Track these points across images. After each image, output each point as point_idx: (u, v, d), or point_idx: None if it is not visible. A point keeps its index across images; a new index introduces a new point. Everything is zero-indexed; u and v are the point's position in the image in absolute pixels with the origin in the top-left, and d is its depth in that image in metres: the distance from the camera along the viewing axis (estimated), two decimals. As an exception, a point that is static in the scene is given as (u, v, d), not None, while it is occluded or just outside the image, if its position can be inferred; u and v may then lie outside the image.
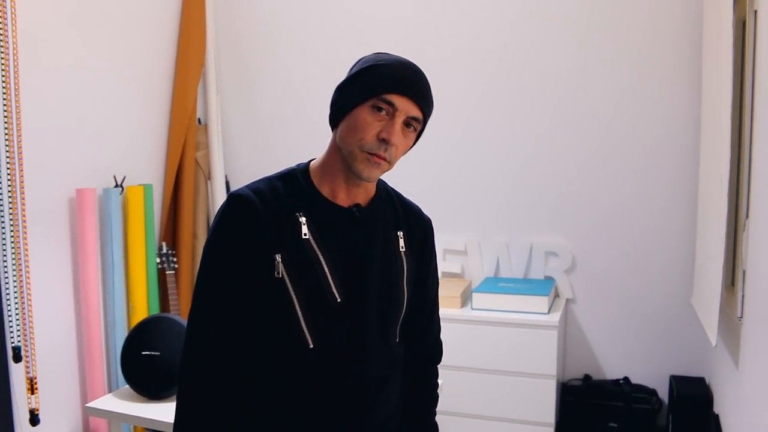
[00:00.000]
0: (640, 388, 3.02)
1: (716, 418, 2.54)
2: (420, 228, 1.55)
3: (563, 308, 3.04)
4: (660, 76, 3.00)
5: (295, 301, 1.34)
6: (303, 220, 1.37)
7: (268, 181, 1.41)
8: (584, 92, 3.11)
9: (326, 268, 1.36)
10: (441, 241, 3.35)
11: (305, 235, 1.36)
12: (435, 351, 1.65)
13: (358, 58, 3.42)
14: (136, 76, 3.19)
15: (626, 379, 3.10)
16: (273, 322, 1.36)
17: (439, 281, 3.23)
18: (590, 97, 3.10)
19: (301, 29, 3.50)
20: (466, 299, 3.10)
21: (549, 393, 2.84)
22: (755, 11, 2.10)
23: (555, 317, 2.85)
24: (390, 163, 1.37)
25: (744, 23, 2.30)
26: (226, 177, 3.62)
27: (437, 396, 1.67)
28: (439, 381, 2.40)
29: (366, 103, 1.33)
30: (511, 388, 2.88)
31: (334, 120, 1.39)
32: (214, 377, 1.34)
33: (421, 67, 3.39)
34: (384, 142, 1.32)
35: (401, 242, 1.49)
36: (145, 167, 3.29)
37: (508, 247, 3.26)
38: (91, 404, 2.19)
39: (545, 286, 3.05)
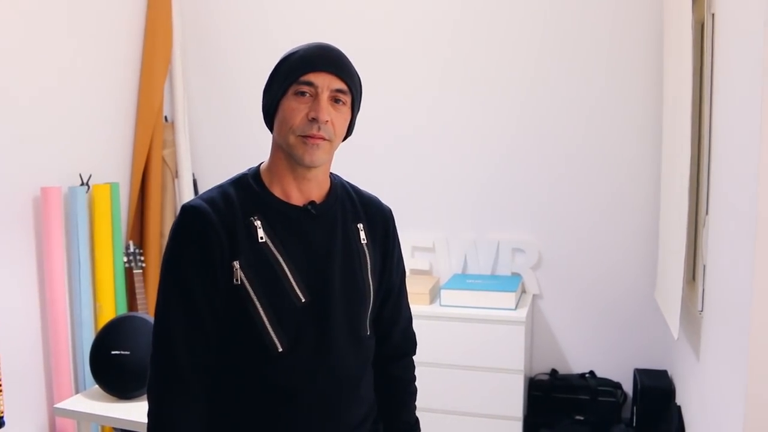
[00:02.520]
0: (605, 382, 3.08)
1: (678, 409, 2.61)
2: (380, 218, 1.54)
3: (530, 304, 3.08)
4: (622, 76, 3.06)
5: (258, 305, 1.33)
6: (258, 223, 1.36)
7: (220, 188, 1.40)
8: (548, 93, 3.16)
9: (287, 269, 1.36)
10: (409, 239, 3.38)
11: (261, 238, 1.35)
12: (406, 342, 1.64)
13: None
14: (102, 74, 3.15)
15: (592, 372, 3.16)
16: (240, 330, 1.35)
17: (408, 278, 3.26)
18: (554, 96, 3.15)
19: (268, 26, 3.49)
20: (434, 296, 3.14)
21: (517, 387, 2.89)
22: (713, 14, 2.16)
23: (522, 313, 2.90)
24: (330, 141, 1.36)
25: (702, 25, 2.36)
26: (193, 175, 3.60)
27: (415, 389, 1.66)
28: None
29: (288, 92, 1.34)
30: (480, 383, 2.92)
31: (269, 122, 1.41)
32: (183, 396, 1.32)
33: (392, 64, 3.39)
34: (314, 121, 1.32)
35: (362, 234, 1.48)
36: (112, 165, 3.25)
37: (475, 244, 3.30)
38: (59, 405, 2.17)
39: (512, 282, 3.10)
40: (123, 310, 3.15)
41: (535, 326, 3.28)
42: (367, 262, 1.47)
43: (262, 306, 1.34)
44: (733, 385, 1.77)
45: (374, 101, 3.38)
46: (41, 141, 2.83)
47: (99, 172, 3.16)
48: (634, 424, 2.89)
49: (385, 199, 3.40)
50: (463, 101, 3.27)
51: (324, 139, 1.34)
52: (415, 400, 1.67)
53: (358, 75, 1.42)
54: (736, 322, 1.76)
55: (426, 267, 3.37)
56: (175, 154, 3.51)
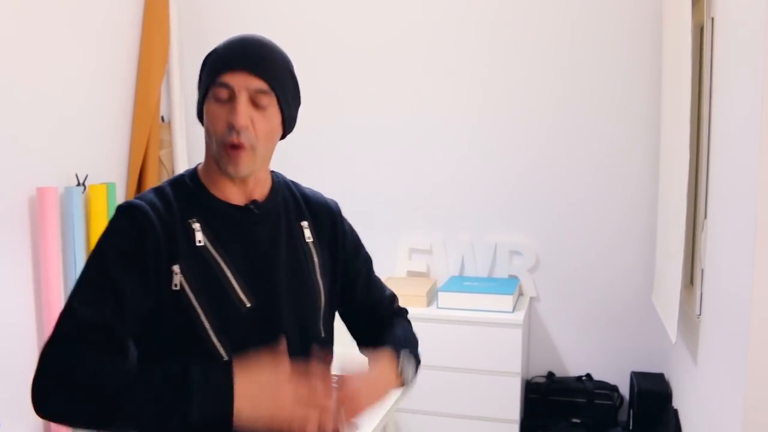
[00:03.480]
0: (602, 384, 3.08)
1: (675, 412, 2.61)
2: (326, 214, 1.47)
3: (527, 306, 3.08)
4: (621, 79, 3.06)
5: (200, 312, 1.25)
6: (197, 226, 1.29)
7: (158, 189, 1.33)
8: (546, 96, 3.15)
9: (228, 273, 1.28)
10: (406, 241, 3.37)
11: (199, 242, 1.28)
12: (398, 313, 1.59)
13: (323, 55, 3.41)
14: (99, 73, 3.14)
15: (588, 375, 3.16)
16: (182, 338, 1.25)
17: (405, 280, 3.26)
18: (553, 99, 3.15)
19: (266, 25, 3.48)
20: (431, 298, 3.13)
21: (514, 390, 2.88)
22: (712, 18, 2.16)
23: (519, 316, 2.89)
24: (254, 148, 1.27)
25: (702, 29, 2.36)
26: (190, 176, 3.58)
27: (410, 324, 1.59)
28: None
29: (208, 95, 1.27)
30: (477, 385, 2.91)
31: (202, 121, 1.33)
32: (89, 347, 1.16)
33: (389, 65, 3.36)
34: (231, 127, 1.24)
35: (307, 233, 1.42)
36: (108, 166, 3.24)
37: (472, 246, 3.30)
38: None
39: (510, 284, 3.09)
40: (119, 311, 3.14)
41: (532, 329, 3.27)
42: (315, 262, 1.41)
43: (204, 312, 1.25)
44: (732, 389, 1.77)
45: (372, 103, 3.37)
46: (37, 141, 2.81)
47: (95, 172, 3.14)
48: (631, 428, 2.89)
49: (383, 201, 3.40)
50: (460, 104, 3.27)
51: (244, 146, 1.25)
52: (410, 327, 1.58)
53: (285, 67, 1.31)
54: (734, 327, 1.75)
55: (423, 269, 3.36)
56: (172, 155, 3.49)
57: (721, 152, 2.01)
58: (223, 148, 1.26)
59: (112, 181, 3.25)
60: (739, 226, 1.75)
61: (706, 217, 2.21)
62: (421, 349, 1.55)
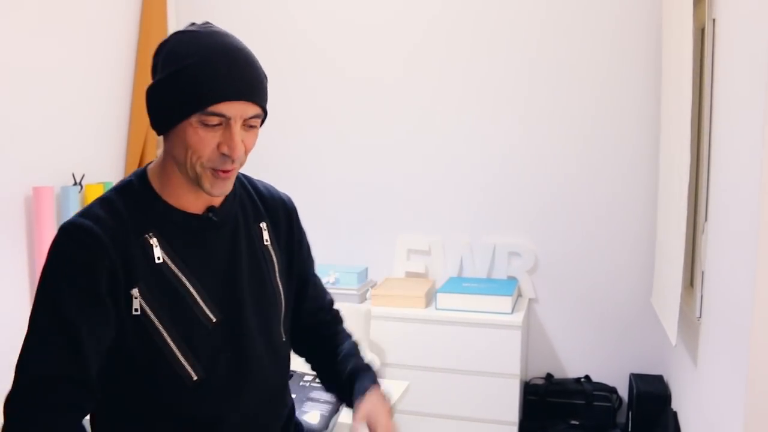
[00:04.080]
0: (601, 386, 3.07)
1: (674, 415, 2.60)
2: (282, 211, 1.41)
3: (526, 308, 3.07)
4: (621, 81, 3.05)
5: (165, 334, 1.18)
6: (154, 241, 1.19)
7: (104, 201, 1.20)
8: (546, 96, 3.14)
9: (192, 290, 1.22)
10: (405, 241, 3.36)
11: (158, 259, 1.19)
12: (336, 317, 1.56)
13: (324, 52, 3.38)
14: (96, 71, 3.12)
15: (587, 377, 3.15)
16: (147, 362, 1.19)
17: (403, 281, 3.24)
18: (551, 100, 3.14)
19: (264, 24, 3.46)
20: (430, 299, 3.12)
21: (512, 392, 2.87)
22: (713, 19, 2.15)
23: (518, 317, 2.88)
24: (241, 164, 1.22)
25: (703, 31, 2.35)
26: (187, 175, 3.56)
27: (349, 333, 1.56)
28: (404, 382, 2.41)
29: (192, 119, 1.14)
30: (475, 387, 2.90)
31: (158, 129, 1.20)
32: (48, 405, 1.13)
33: (386, 65, 3.35)
34: (226, 156, 1.16)
35: (265, 235, 1.35)
36: (105, 165, 3.22)
37: (471, 247, 3.28)
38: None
39: (508, 286, 3.08)
40: (115, 312, 3.12)
41: (530, 330, 3.26)
42: (274, 265, 1.36)
43: (168, 334, 1.19)
44: (732, 392, 1.76)
45: (370, 103, 3.35)
46: (33, 140, 2.79)
47: (92, 171, 3.12)
48: (630, 429, 2.88)
49: (381, 202, 3.38)
50: (459, 103, 3.25)
51: (234, 168, 1.20)
52: (351, 338, 1.53)
53: (265, 76, 1.23)
54: (735, 329, 1.75)
55: (422, 270, 3.35)
56: (169, 154, 3.47)
57: (722, 154, 2.00)
58: (211, 172, 1.18)
59: (109, 180, 3.23)
60: (740, 228, 1.74)
61: (706, 219, 2.20)
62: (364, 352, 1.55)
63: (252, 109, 1.18)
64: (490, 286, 3.08)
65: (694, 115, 2.43)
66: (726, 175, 1.94)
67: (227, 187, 1.22)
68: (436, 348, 2.93)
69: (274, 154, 3.34)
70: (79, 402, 1.15)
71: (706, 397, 2.09)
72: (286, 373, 1.42)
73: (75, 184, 2.98)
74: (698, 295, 2.22)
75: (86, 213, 1.18)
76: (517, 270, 3.23)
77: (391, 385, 2.34)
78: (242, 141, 1.18)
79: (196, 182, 1.20)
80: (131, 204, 1.21)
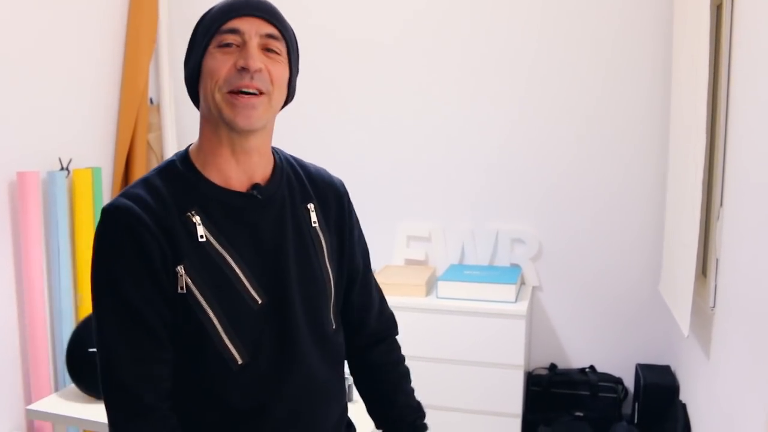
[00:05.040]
0: (606, 377, 3.00)
1: (684, 407, 2.53)
2: (333, 194, 1.36)
3: (530, 296, 2.98)
4: (628, 62, 2.95)
5: (211, 314, 1.15)
6: (196, 219, 1.17)
7: (145, 182, 1.19)
8: (552, 79, 3.04)
9: (237, 269, 1.18)
10: (405, 228, 3.27)
11: (201, 237, 1.16)
12: (384, 324, 1.47)
13: (322, 38, 3.29)
14: (83, 53, 3.00)
15: (592, 367, 3.07)
16: (192, 344, 1.17)
17: (403, 269, 3.16)
18: (558, 83, 3.04)
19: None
20: (430, 287, 3.03)
21: (516, 384, 2.79)
22: (732, -6, 2.05)
23: (523, 306, 2.79)
24: (269, 95, 1.16)
25: (719, 7, 2.25)
26: (180, 160, 3.46)
27: (406, 370, 1.49)
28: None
29: (210, 48, 1.15)
30: (478, 378, 2.82)
31: (194, 95, 1.21)
32: (153, 425, 1.13)
33: (387, 52, 3.26)
34: (244, 70, 1.13)
35: (313, 216, 1.30)
36: (93, 149, 3.11)
37: (473, 233, 3.19)
38: (32, 406, 2.04)
39: (512, 273, 2.99)
40: (105, 301, 3.03)
41: (534, 319, 3.18)
42: (322, 247, 1.29)
43: (215, 314, 1.16)
44: (752, 385, 1.68)
45: (370, 88, 3.25)
46: (18, 123, 2.68)
47: (80, 155, 3.02)
48: (636, 421, 2.80)
49: (381, 187, 3.29)
50: (462, 89, 3.15)
51: (260, 92, 1.15)
52: (409, 381, 1.49)
53: (291, 27, 1.23)
54: (754, 320, 1.67)
55: (422, 257, 3.26)
56: (160, 138, 3.37)
57: (739, 138, 1.91)
58: (231, 95, 1.14)
59: (97, 165, 3.13)
60: (757, 214, 1.65)
61: (721, 204, 2.11)
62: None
63: (266, 27, 1.16)
64: (492, 273, 2.99)
65: (709, 97, 2.33)
66: (743, 158, 1.85)
67: (253, 117, 1.15)
68: (436, 338, 2.84)
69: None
70: (168, 381, 1.17)
71: (721, 391, 2.01)
72: (338, 366, 1.34)
73: (62, 169, 2.88)
74: (712, 284, 2.14)
75: (126, 193, 1.17)
76: (520, 257, 3.14)
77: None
78: (265, 66, 1.15)
79: (222, 115, 1.15)
80: (173, 183, 1.19)
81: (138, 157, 3.25)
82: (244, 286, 1.18)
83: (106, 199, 3.19)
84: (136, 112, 3.23)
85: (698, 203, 2.10)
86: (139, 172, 3.25)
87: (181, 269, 1.14)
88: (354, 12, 3.24)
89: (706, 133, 2.13)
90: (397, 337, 1.51)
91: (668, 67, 2.91)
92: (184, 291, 1.15)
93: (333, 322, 1.32)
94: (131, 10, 3.24)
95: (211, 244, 1.17)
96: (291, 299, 1.22)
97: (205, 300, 1.15)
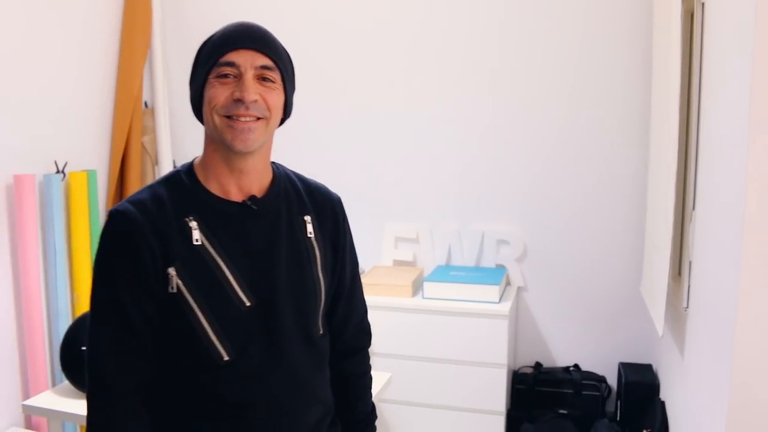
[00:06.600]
0: (590, 375, 3.05)
1: (662, 404, 2.59)
2: (329, 207, 1.44)
3: (514, 296, 3.04)
4: (610, 66, 3.01)
5: (199, 313, 1.24)
6: (193, 224, 1.26)
7: (150, 189, 1.30)
8: (534, 82, 3.10)
9: (227, 272, 1.26)
10: (393, 229, 3.33)
11: (197, 240, 1.26)
12: (360, 336, 1.55)
13: (313, 42, 3.35)
14: (79, 57, 3.07)
15: (576, 366, 3.13)
16: (180, 341, 1.26)
17: (391, 269, 3.22)
18: (539, 86, 3.09)
19: (251, 7, 3.41)
20: (417, 288, 3.09)
21: (500, 382, 2.85)
22: (702, 3, 2.11)
23: (506, 307, 2.86)
24: (266, 119, 1.26)
25: (692, 15, 2.31)
26: (174, 162, 3.53)
27: (369, 381, 1.58)
28: (386, 374, 2.39)
29: (210, 78, 1.25)
30: (463, 377, 2.88)
31: (198, 114, 1.32)
32: (120, 416, 1.23)
33: (372, 55, 3.32)
34: (240, 102, 1.22)
35: (309, 227, 1.38)
36: (89, 152, 3.17)
37: (459, 235, 3.26)
38: (28, 402, 2.11)
39: (497, 274, 3.06)
40: (100, 301, 3.09)
41: (519, 318, 3.24)
42: (316, 257, 1.38)
43: (202, 313, 1.25)
44: (717, 383, 1.74)
45: (358, 92, 3.31)
46: (14, 126, 2.75)
47: (75, 159, 3.08)
48: (618, 419, 2.86)
49: (369, 189, 3.35)
50: (446, 91, 3.21)
51: (257, 118, 1.24)
52: (370, 390, 1.58)
53: (286, 52, 1.33)
54: (721, 320, 1.73)
55: (410, 258, 3.32)
56: (155, 141, 3.43)
57: (710, 142, 1.97)
58: (230, 120, 1.24)
59: (93, 168, 3.19)
60: (726, 218, 1.71)
61: (694, 208, 2.17)
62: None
63: (261, 58, 1.25)
64: (477, 274, 3.05)
65: (683, 102, 2.39)
66: (714, 163, 1.91)
67: (249, 140, 1.25)
68: (423, 337, 2.90)
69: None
70: (143, 376, 1.26)
71: (692, 388, 2.08)
72: (322, 368, 1.42)
73: (58, 172, 2.95)
74: (686, 285, 2.20)
75: (131, 198, 1.28)
76: (505, 258, 3.21)
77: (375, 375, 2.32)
78: (261, 95, 1.24)
79: (221, 138, 1.25)
80: (175, 191, 1.29)
81: (133, 159, 3.32)
82: (234, 289, 1.27)
83: (101, 201, 3.26)
84: (130, 115, 3.29)
85: (671, 206, 2.16)
86: (134, 174, 3.32)
87: (172, 271, 1.23)
88: (336, 14, 3.30)
89: (679, 137, 2.20)
90: (369, 348, 1.60)
91: (648, 73, 2.97)
92: (175, 291, 1.24)
93: (320, 326, 1.40)
94: (125, 16, 3.30)
95: (205, 247, 1.26)
96: (279, 303, 1.30)
97: (194, 300, 1.24)
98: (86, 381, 1.26)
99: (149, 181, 3.41)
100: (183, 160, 3.57)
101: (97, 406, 1.24)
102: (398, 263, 3.35)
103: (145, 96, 3.45)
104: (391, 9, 3.24)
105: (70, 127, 3.05)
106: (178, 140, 3.57)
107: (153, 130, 3.43)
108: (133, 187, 3.32)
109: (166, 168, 3.42)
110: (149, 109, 3.45)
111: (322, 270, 1.39)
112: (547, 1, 3.04)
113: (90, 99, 3.16)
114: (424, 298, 2.96)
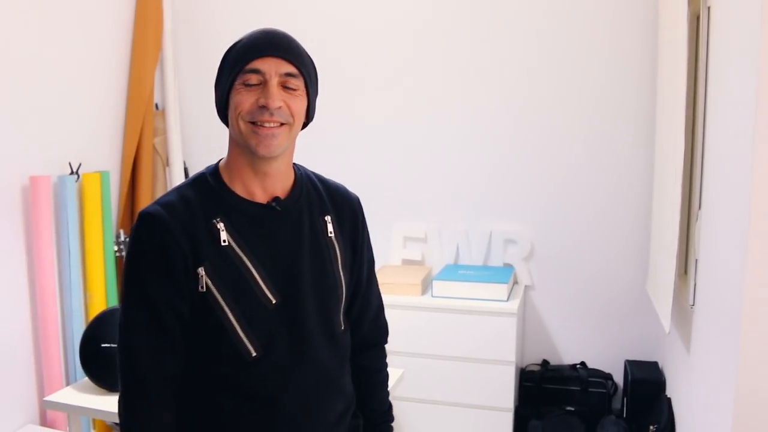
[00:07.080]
0: (596, 373, 3.09)
1: (669, 401, 2.62)
2: (348, 208, 1.49)
3: (522, 295, 3.08)
4: (617, 69, 3.04)
5: (228, 311, 1.29)
6: (221, 225, 1.31)
7: (178, 191, 1.34)
8: (541, 84, 3.14)
9: (254, 271, 1.31)
10: (401, 229, 3.36)
11: (224, 241, 1.30)
12: (376, 332, 1.59)
13: (322, 43, 3.39)
14: (92, 60, 3.11)
15: (583, 363, 3.17)
16: (210, 338, 1.31)
17: (399, 268, 3.25)
18: (547, 88, 3.13)
19: (262, 9, 3.45)
20: (426, 287, 3.13)
21: (508, 379, 2.89)
22: (708, 7, 2.15)
23: (514, 305, 2.89)
24: (289, 125, 1.30)
25: (698, 18, 2.34)
26: (184, 163, 3.57)
27: (385, 377, 1.62)
28: (398, 370, 2.43)
29: (236, 84, 1.29)
30: (471, 374, 2.92)
31: (223, 117, 1.35)
32: (152, 409, 1.30)
33: (383, 54, 3.34)
34: (264, 108, 1.26)
35: (329, 227, 1.43)
36: (102, 154, 3.22)
37: (467, 234, 3.29)
38: (48, 398, 2.16)
39: (504, 273, 3.09)
40: (113, 300, 3.14)
41: (526, 317, 3.28)
42: (337, 256, 1.43)
43: (231, 311, 1.30)
44: (723, 379, 1.77)
45: (368, 93, 3.35)
46: (30, 129, 2.80)
47: (89, 160, 3.13)
48: (625, 416, 2.90)
49: (378, 189, 3.39)
50: (456, 92, 3.25)
51: (281, 123, 1.29)
52: (386, 387, 1.62)
53: (309, 58, 1.36)
54: (727, 317, 1.76)
55: (418, 257, 3.36)
56: (166, 142, 3.48)
57: (716, 142, 2.00)
58: (254, 125, 1.27)
59: (106, 169, 3.24)
60: (732, 217, 1.74)
61: (700, 207, 2.20)
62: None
63: (286, 66, 1.28)
64: (485, 273, 3.09)
65: (689, 103, 2.43)
66: (720, 162, 1.94)
67: (273, 146, 1.29)
68: (432, 335, 2.94)
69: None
70: (175, 371, 1.31)
71: (699, 385, 2.11)
72: (344, 362, 1.47)
73: (72, 173, 2.99)
74: (692, 283, 2.23)
75: (159, 200, 1.32)
76: (513, 257, 3.24)
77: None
78: (285, 101, 1.28)
79: (246, 143, 1.29)
80: (202, 193, 1.33)
81: (144, 160, 3.36)
82: (260, 287, 1.32)
83: (114, 201, 3.30)
84: (142, 117, 3.34)
85: (677, 205, 2.20)
86: (146, 175, 3.36)
87: (201, 270, 1.28)
88: (346, 13, 3.34)
89: (685, 138, 2.23)
90: (386, 345, 1.64)
91: (655, 76, 2.99)
92: (204, 290, 1.28)
93: (342, 322, 1.45)
94: (137, 20, 3.35)
95: (233, 248, 1.31)
96: (303, 300, 1.36)
97: (223, 298, 1.29)
98: (120, 377, 1.30)
99: (160, 181, 3.46)
100: (193, 161, 3.61)
101: (133, 398, 1.29)
102: (407, 262, 3.38)
103: (156, 98, 3.49)
104: (406, 11, 3.27)
105: (84, 129, 3.09)
106: (189, 141, 3.62)
107: (164, 132, 3.47)
108: (145, 187, 3.36)
109: (176, 169, 3.46)
110: (160, 111, 3.49)
111: (342, 268, 1.44)
112: (556, 4, 3.08)
113: (103, 101, 3.20)
114: (433, 296, 3.00)
